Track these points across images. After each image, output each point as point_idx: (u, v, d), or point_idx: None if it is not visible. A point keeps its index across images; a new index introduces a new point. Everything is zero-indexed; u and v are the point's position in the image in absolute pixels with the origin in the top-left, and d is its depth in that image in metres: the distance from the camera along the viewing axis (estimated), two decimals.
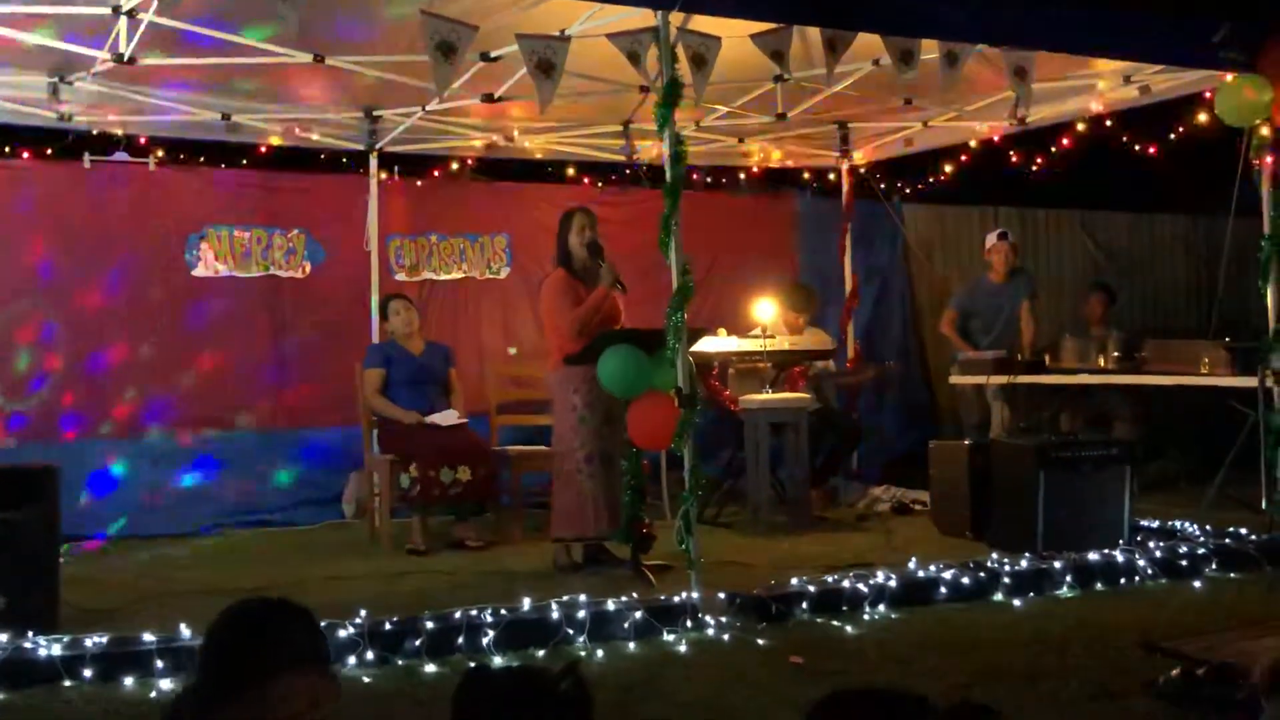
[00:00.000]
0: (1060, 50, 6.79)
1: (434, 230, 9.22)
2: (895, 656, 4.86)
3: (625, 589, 5.60)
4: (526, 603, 5.18)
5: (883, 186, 10.05)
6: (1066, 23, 6.56)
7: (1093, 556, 6.19)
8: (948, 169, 10.16)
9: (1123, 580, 6.09)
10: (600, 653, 4.92)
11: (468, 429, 7.53)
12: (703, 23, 5.96)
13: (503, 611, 5.05)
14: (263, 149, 8.70)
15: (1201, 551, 6.33)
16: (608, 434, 6.41)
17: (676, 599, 5.35)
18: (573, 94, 7.22)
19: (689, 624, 5.22)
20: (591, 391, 6.34)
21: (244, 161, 9.04)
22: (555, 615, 5.08)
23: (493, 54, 6.50)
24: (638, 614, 5.15)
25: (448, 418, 7.44)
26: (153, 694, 4.40)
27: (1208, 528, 6.94)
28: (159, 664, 4.58)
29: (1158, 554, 6.28)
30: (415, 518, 7.25)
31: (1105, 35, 6.76)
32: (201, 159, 9.02)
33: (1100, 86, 7.92)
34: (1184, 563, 6.24)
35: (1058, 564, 6.05)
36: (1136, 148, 9.80)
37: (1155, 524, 7.12)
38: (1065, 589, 5.96)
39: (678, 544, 5.55)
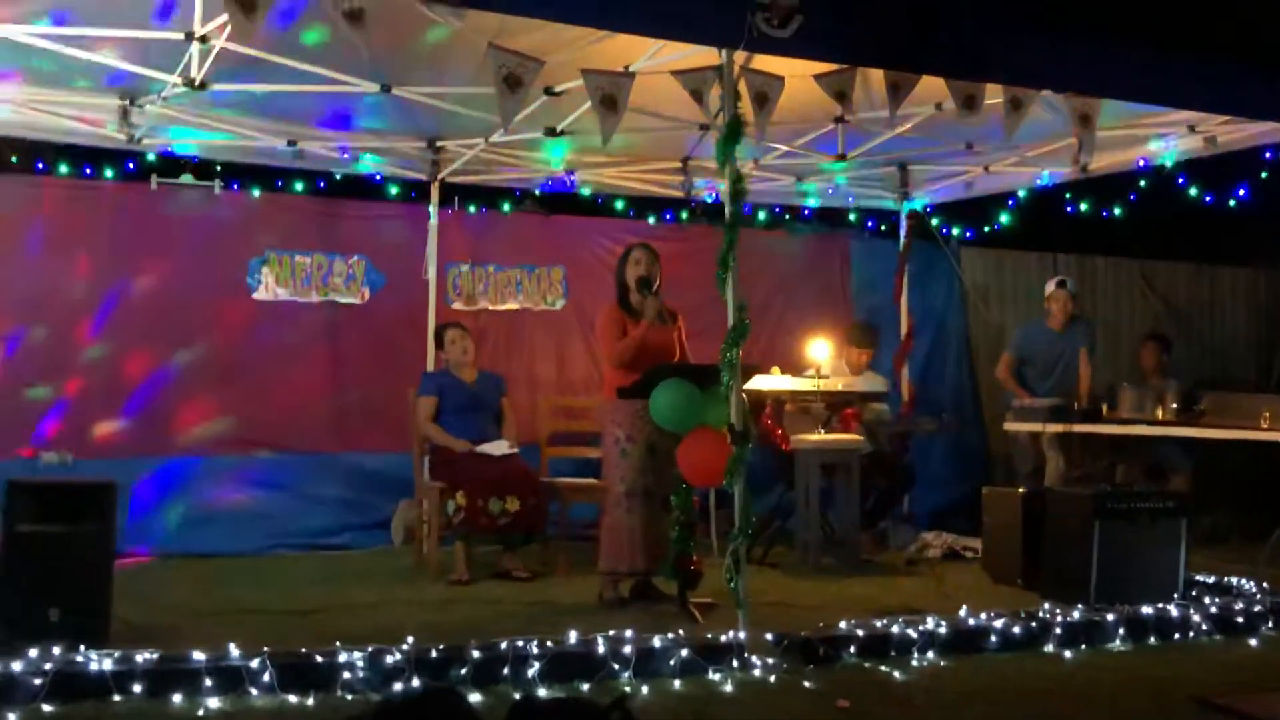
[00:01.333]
0: (1125, 98, 6.75)
1: (491, 261, 9.28)
2: (942, 704, 4.80)
3: (671, 625, 5.58)
4: (573, 635, 5.16)
5: (941, 229, 10.01)
6: (1133, 70, 6.52)
7: (1146, 610, 6.09)
8: (1007, 214, 10.10)
9: (1176, 635, 5.99)
10: (645, 689, 4.89)
11: (519, 459, 7.55)
12: (766, 62, 5.98)
13: (549, 643, 5.03)
14: (326, 176, 8.80)
15: (1258, 608, 6.22)
16: (650, 468, 6.41)
17: (723, 638, 5.31)
18: (633, 129, 7.26)
19: (735, 663, 5.17)
20: (634, 425, 6.36)
21: (308, 188, 9.15)
22: (601, 649, 5.05)
23: (557, 88, 6.56)
24: (684, 651, 5.11)
25: (499, 447, 7.47)
26: (200, 712, 4.42)
27: (1264, 584, 6.83)
28: (208, 682, 4.60)
29: (1213, 609, 6.19)
30: (459, 546, 7.25)
31: (1171, 84, 6.71)
32: (266, 184, 9.13)
33: (1165, 136, 7.86)
34: (1239, 619, 6.13)
35: (1110, 616, 5.96)
36: (1201, 198, 9.71)
37: (1210, 579, 7.02)
38: (1117, 642, 5.87)
39: (726, 582, 5.52)
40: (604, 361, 6.73)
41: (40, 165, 8.85)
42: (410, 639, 4.94)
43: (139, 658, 4.69)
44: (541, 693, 4.74)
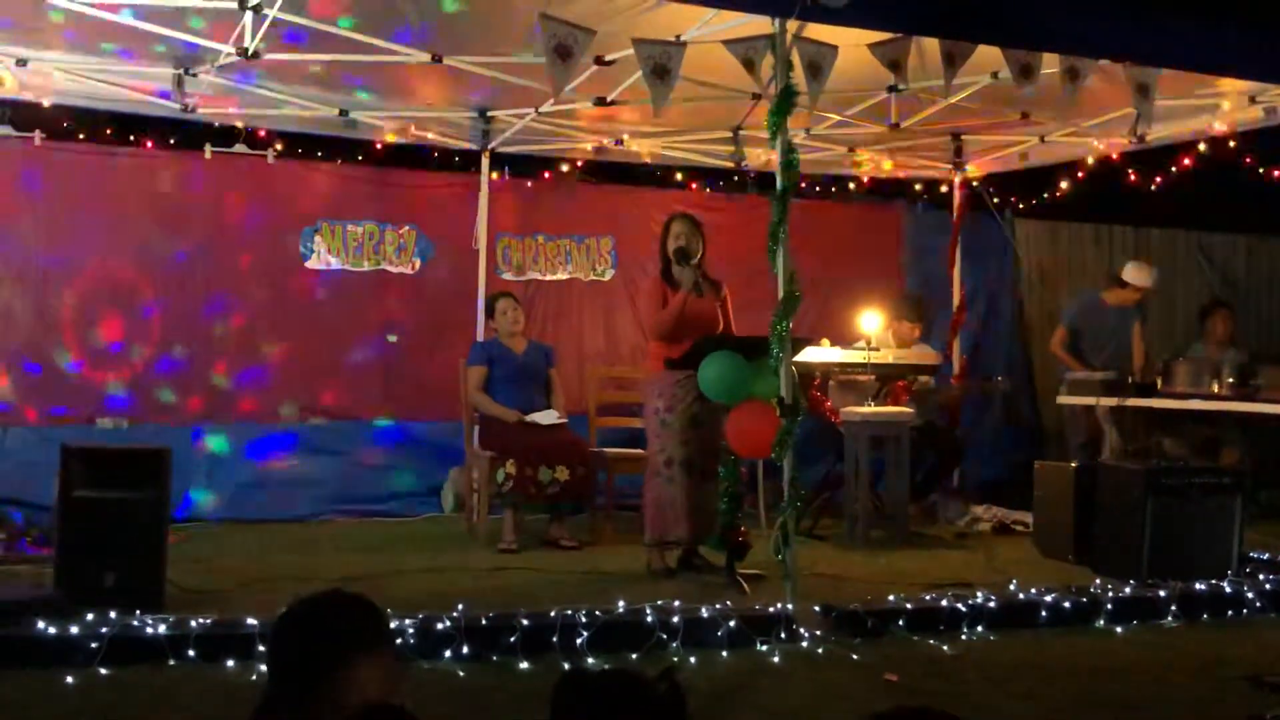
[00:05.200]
0: (1185, 68, 6.64)
1: (541, 231, 9.29)
2: (991, 678, 4.79)
3: (719, 596, 5.59)
4: (621, 605, 5.18)
5: (995, 200, 9.89)
6: (1192, 40, 6.41)
7: (1199, 586, 6.05)
8: (1063, 185, 9.97)
9: (1230, 612, 5.96)
10: (693, 659, 4.91)
11: (567, 429, 7.57)
12: (819, 31, 5.92)
13: (597, 613, 5.05)
14: (378, 146, 8.83)
15: None
16: (691, 439, 6.41)
17: (771, 609, 5.32)
18: (684, 98, 7.22)
19: (783, 635, 5.19)
20: (675, 396, 6.38)
21: (359, 157, 9.18)
22: (650, 619, 5.08)
23: (607, 58, 6.53)
24: (732, 622, 5.13)
25: (548, 417, 7.49)
26: (253, 676, 4.48)
27: None
28: (260, 647, 4.65)
29: (1267, 586, 6.12)
30: (507, 515, 7.29)
31: (1231, 54, 6.59)
32: (319, 153, 9.16)
33: (1224, 106, 7.73)
34: None
35: (1162, 592, 5.92)
36: (1259, 170, 9.55)
37: (1265, 556, 6.94)
38: (1169, 618, 5.83)
39: (774, 554, 5.52)
40: (648, 333, 6.74)
41: (96, 134, 8.90)
42: (460, 606, 4.98)
43: (193, 622, 4.77)
44: (589, 661, 4.77)
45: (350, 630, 2.41)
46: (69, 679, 4.40)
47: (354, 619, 2.45)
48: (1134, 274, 9.14)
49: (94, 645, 4.56)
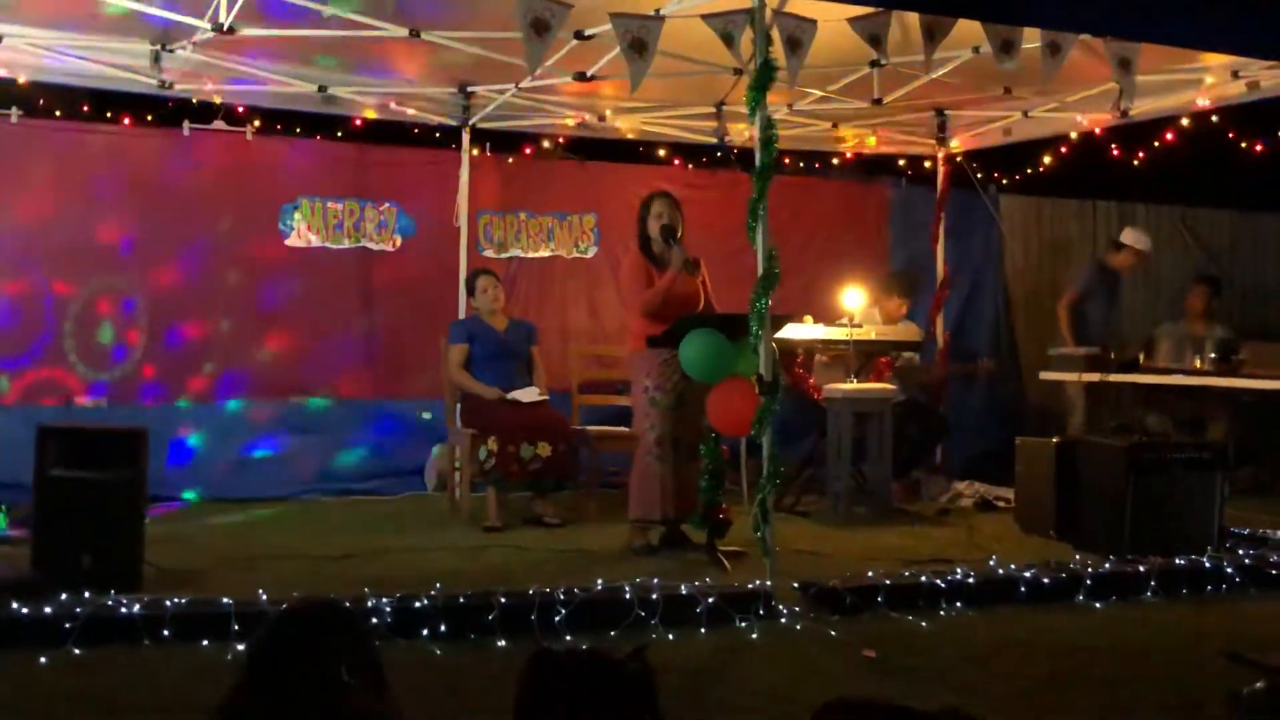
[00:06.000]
0: (1166, 42, 6.61)
1: (523, 208, 9.24)
2: (971, 655, 4.78)
3: (699, 574, 5.58)
4: (600, 583, 5.17)
5: (979, 176, 9.87)
6: (1173, 14, 6.38)
7: (1179, 562, 6.04)
8: (1047, 160, 9.95)
9: (1209, 588, 5.95)
10: (671, 636, 4.90)
11: (549, 406, 7.55)
12: (799, 5, 5.89)
13: (576, 591, 5.04)
14: (357, 122, 8.78)
15: None
16: (680, 418, 6.40)
17: (750, 586, 5.31)
18: (665, 74, 7.18)
19: (762, 612, 5.18)
20: (663, 374, 6.36)
21: (338, 134, 9.12)
22: (628, 596, 5.06)
23: (586, 32, 6.48)
24: (710, 599, 5.12)
25: (529, 394, 7.47)
26: (229, 656, 4.45)
27: None
28: (236, 627, 4.64)
29: (1247, 562, 6.13)
30: (490, 493, 7.27)
31: (1213, 28, 6.55)
32: (297, 130, 9.10)
33: (1207, 80, 7.71)
34: (1274, 572, 6.08)
35: (1142, 568, 5.92)
36: (1243, 144, 9.54)
37: (1246, 531, 6.95)
38: (1149, 594, 5.82)
39: (754, 532, 5.51)
40: (630, 311, 6.70)
41: (73, 111, 8.83)
42: (438, 585, 4.97)
43: (168, 602, 4.74)
44: (568, 639, 4.76)
45: (336, 654, 2.37)
46: (42, 659, 4.37)
47: (343, 643, 2.41)
48: (1131, 237, 9.24)
49: (68, 626, 4.53)
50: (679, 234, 6.60)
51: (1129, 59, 6.47)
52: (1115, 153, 9.93)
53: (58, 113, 8.65)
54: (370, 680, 2.40)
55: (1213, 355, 8.03)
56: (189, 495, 7.97)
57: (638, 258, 6.68)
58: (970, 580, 5.58)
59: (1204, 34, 6.61)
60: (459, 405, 7.70)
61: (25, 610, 4.59)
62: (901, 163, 10.42)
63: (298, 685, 2.33)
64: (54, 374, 7.93)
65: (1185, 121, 8.59)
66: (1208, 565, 6.04)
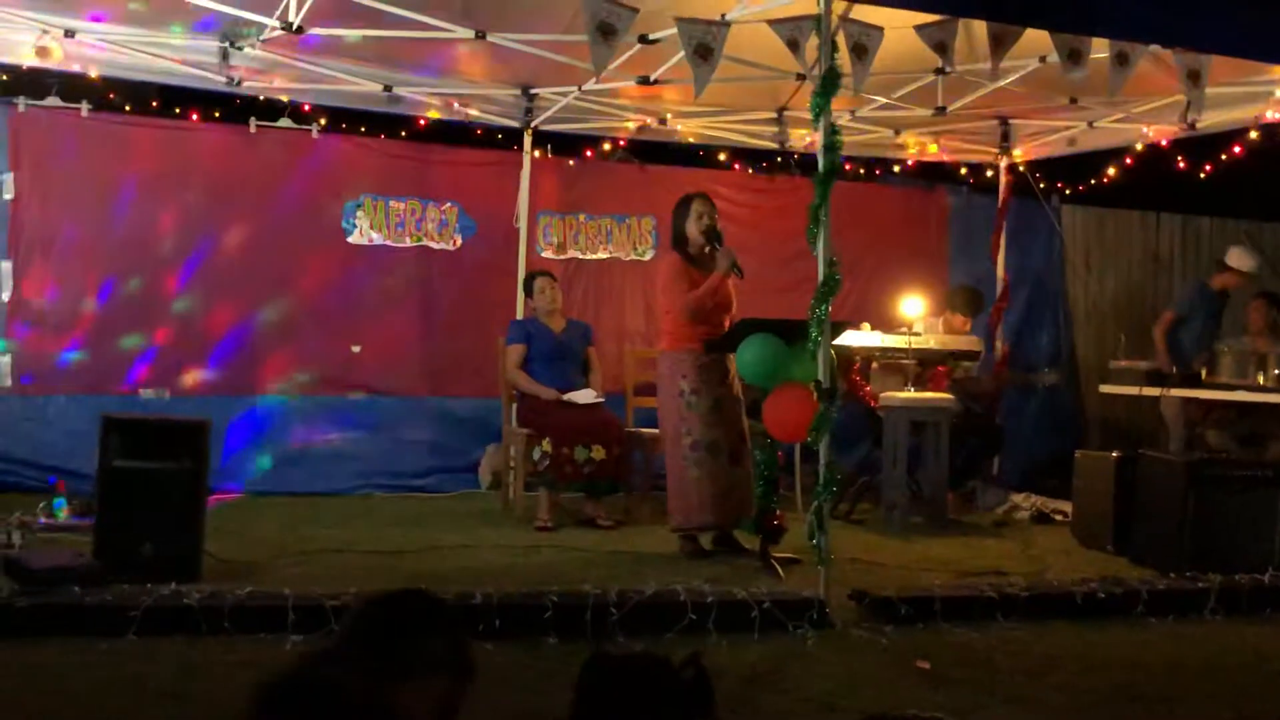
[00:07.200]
0: (1236, 55, 6.52)
1: (582, 210, 9.27)
2: (1025, 669, 4.74)
3: (753, 580, 5.58)
4: (653, 586, 5.17)
5: (1042, 186, 9.78)
6: (1244, 26, 6.29)
7: (1239, 579, 5.96)
8: (1111, 171, 9.84)
9: (1269, 609, 5.86)
10: (725, 642, 4.90)
11: (604, 408, 7.56)
12: (866, 12, 5.87)
13: (629, 593, 5.05)
14: (420, 122, 8.83)
15: None
16: (715, 421, 6.38)
17: (805, 594, 5.30)
18: (728, 79, 7.17)
19: (816, 619, 5.16)
20: (700, 377, 6.36)
21: (402, 133, 9.18)
22: (682, 599, 5.06)
23: (651, 37, 6.50)
24: (764, 605, 5.11)
25: (585, 396, 7.49)
26: (286, 647, 4.51)
27: None
28: (293, 619, 4.68)
29: None
30: (543, 493, 7.30)
31: None
32: (362, 129, 9.18)
33: (1277, 94, 7.60)
34: None
35: (1201, 585, 5.84)
36: None
37: None
38: (1208, 612, 5.75)
39: (809, 539, 5.50)
40: (667, 313, 6.67)
41: (142, 107, 8.94)
42: (492, 583, 4.99)
43: (228, 594, 4.80)
44: (620, 641, 4.77)
45: (443, 654, 2.35)
46: (103, 647, 4.44)
47: (452, 644, 2.39)
48: (1236, 258, 9.06)
49: (130, 614, 4.60)
50: (722, 236, 6.60)
51: (1198, 71, 6.39)
52: (1181, 165, 9.79)
53: (128, 107, 8.74)
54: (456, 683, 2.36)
55: (1276, 372, 7.90)
56: (246, 488, 8.04)
57: (678, 260, 6.64)
58: (1026, 594, 5.54)
59: (1275, 46, 6.52)
60: (515, 405, 7.74)
61: (87, 598, 4.67)
62: (963, 170, 10.34)
63: (388, 660, 2.29)
64: (117, 365, 8.04)
65: (1254, 134, 8.46)
66: (1269, 584, 5.95)
